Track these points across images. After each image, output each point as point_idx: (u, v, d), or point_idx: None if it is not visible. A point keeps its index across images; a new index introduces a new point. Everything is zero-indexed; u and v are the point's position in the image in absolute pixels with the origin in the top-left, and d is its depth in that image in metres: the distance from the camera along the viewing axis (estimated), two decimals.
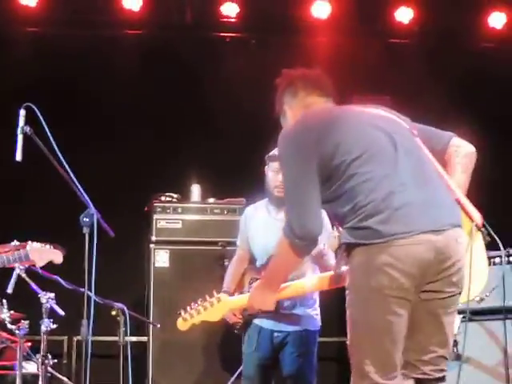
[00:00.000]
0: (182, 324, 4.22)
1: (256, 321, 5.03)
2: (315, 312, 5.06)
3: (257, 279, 4.79)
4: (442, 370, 3.23)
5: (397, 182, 3.10)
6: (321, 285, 4.22)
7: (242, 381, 5.21)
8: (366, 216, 3.04)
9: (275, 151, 5.15)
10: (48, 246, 4.70)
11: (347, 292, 3.16)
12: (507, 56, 7.70)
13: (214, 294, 4.13)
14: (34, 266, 4.65)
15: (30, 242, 4.63)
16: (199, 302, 4.10)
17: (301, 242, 3.21)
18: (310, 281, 4.29)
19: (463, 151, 3.47)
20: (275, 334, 4.97)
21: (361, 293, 3.08)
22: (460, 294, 3.20)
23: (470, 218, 3.28)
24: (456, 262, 3.11)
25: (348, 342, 3.17)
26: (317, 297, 5.06)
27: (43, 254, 4.65)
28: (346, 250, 3.15)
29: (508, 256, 5.41)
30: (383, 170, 3.13)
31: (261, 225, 5.10)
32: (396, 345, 3.08)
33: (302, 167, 3.21)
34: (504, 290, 5.21)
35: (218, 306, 4.04)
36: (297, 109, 3.52)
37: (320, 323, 5.07)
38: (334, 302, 7.81)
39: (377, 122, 3.30)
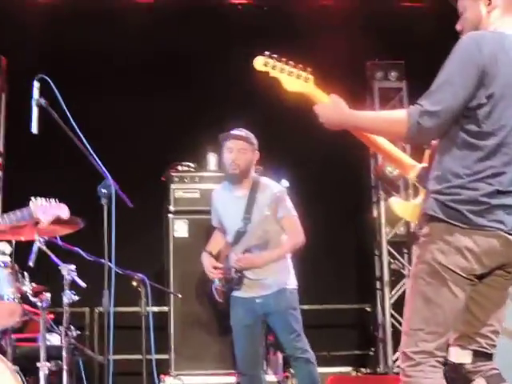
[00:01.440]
0: (260, 64, 3.51)
1: (235, 294, 5.45)
2: (287, 276, 5.43)
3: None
4: (494, 346, 3.34)
5: (506, 181, 3.16)
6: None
7: (236, 354, 5.49)
8: (462, 201, 3.12)
9: (234, 131, 5.46)
10: (53, 201, 4.58)
11: (416, 262, 3.23)
12: None
13: (308, 69, 3.51)
14: (42, 226, 4.56)
15: (32, 198, 4.54)
16: (291, 63, 3.50)
17: (412, 132, 3.16)
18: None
19: None
20: (257, 301, 5.37)
21: (433, 267, 3.16)
22: None
23: None
24: None
25: (407, 308, 3.26)
26: (288, 263, 5.46)
27: (47, 209, 4.53)
28: (429, 220, 3.19)
29: None
30: (503, 162, 3.15)
31: (225, 204, 5.54)
32: (455, 319, 3.20)
33: (463, 80, 3.13)
34: None
35: (302, 81, 3.48)
36: (492, 19, 3.32)
37: (295, 284, 5.46)
38: (351, 272, 7.97)
39: None
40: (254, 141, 5.48)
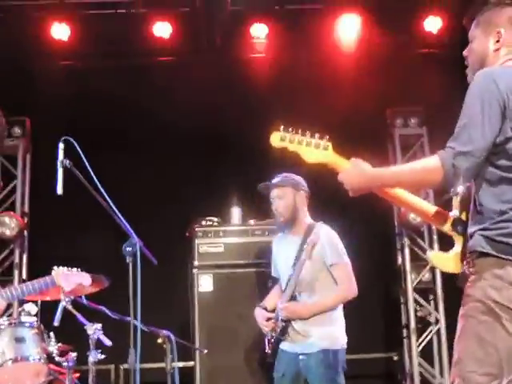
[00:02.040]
0: (277, 140, 3.54)
1: (281, 346, 5.21)
2: (335, 331, 5.14)
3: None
4: None
5: None
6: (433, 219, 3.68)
7: None
8: (510, 234, 3.06)
9: (274, 180, 5.32)
10: (74, 270, 4.67)
11: (467, 300, 3.13)
12: None
13: (325, 137, 3.51)
14: (66, 292, 4.63)
15: (55, 267, 4.62)
16: (307, 133, 3.50)
17: (449, 176, 3.09)
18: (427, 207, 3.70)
19: None
20: (300, 357, 5.11)
21: (486, 305, 3.06)
22: None
23: None
24: None
25: (458, 349, 3.13)
26: (337, 315, 5.18)
27: (70, 277, 4.62)
28: (477, 257, 3.13)
29: None
30: None
31: (280, 252, 5.40)
32: (509, 359, 3.06)
33: (488, 119, 3.10)
34: None
35: (321, 150, 3.46)
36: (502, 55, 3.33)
37: (343, 341, 5.15)
38: (377, 320, 7.88)
39: None
40: (294, 182, 5.27)
